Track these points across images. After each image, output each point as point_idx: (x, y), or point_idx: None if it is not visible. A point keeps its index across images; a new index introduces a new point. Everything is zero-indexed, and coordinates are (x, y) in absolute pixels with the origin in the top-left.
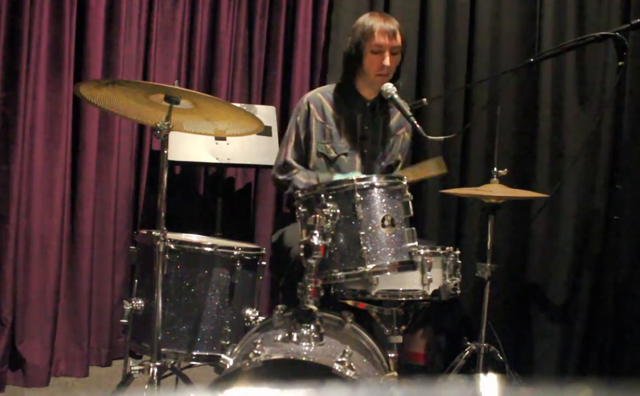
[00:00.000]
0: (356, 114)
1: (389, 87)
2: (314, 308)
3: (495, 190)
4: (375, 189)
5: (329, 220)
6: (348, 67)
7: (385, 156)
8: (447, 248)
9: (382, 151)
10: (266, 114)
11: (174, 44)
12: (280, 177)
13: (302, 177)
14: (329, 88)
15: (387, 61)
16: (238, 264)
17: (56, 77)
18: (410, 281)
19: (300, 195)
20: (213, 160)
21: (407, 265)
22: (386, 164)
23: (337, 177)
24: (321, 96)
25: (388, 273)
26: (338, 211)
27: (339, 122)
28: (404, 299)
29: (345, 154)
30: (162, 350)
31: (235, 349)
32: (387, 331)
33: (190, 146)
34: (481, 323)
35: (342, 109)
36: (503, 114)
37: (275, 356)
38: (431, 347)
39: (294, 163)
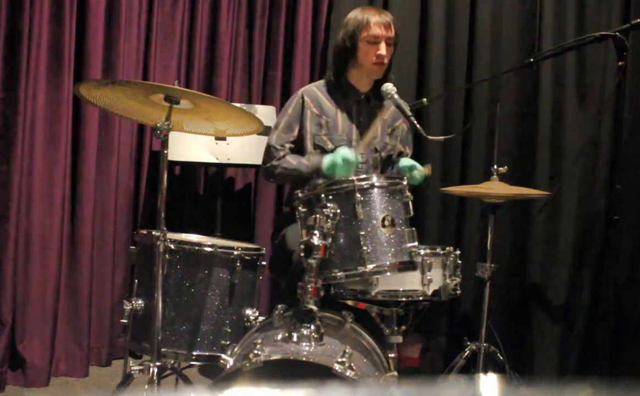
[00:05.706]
0: (352, 105)
1: (389, 87)
2: (314, 308)
3: (495, 188)
4: (376, 189)
5: (329, 220)
6: (340, 60)
7: (384, 145)
8: (447, 248)
9: (380, 141)
10: (266, 114)
11: (174, 44)
12: (266, 164)
13: (291, 159)
14: (322, 82)
15: (383, 50)
16: (238, 264)
17: (56, 77)
18: (411, 282)
19: (300, 195)
20: (213, 160)
21: (407, 265)
22: (386, 154)
23: (327, 159)
24: (316, 90)
25: (388, 273)
26: (338, 211)
27: (335, 113)
28: (404, 299)
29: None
30: (162, 350)
31: (235, 349)
32: (387, 331)
33: (190, 146)
34: (481, 323)
35: (338, 101)
36: (503, 114)
37: (275, 356)
38: (426, 351)
39: (279, 147)
